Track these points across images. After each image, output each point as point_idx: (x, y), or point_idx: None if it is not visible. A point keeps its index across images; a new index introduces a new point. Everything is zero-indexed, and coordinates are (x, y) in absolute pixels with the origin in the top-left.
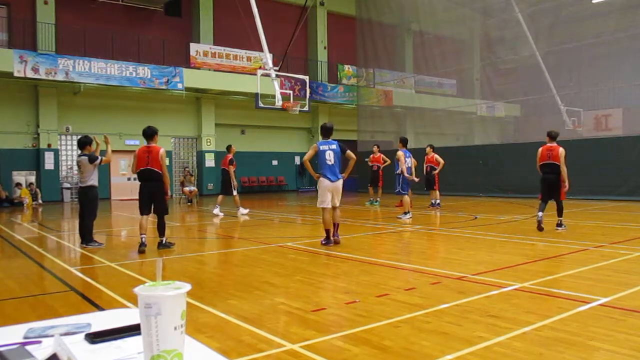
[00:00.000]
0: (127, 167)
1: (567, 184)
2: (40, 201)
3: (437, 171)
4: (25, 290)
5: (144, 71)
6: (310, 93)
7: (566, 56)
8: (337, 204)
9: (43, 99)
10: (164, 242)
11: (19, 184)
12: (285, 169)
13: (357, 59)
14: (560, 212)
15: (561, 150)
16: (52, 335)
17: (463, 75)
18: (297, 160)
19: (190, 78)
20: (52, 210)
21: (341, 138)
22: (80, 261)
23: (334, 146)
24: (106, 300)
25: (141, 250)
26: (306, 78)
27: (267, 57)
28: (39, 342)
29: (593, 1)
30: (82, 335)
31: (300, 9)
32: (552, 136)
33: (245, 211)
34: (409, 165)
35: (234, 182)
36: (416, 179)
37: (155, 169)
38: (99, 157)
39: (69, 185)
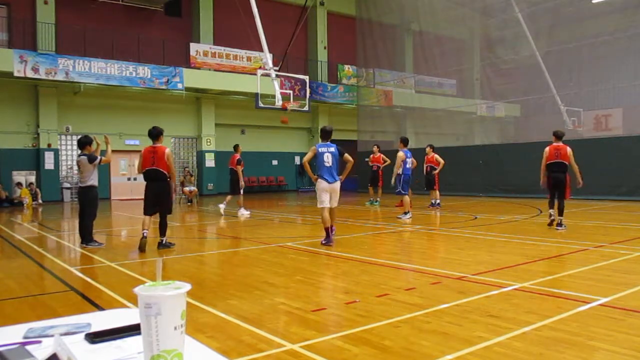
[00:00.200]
0: (127, 167)
1: (580, 179)
2: (40, 201)
3: (437, 171)
4: (25, 290)
5: (144, 71)
6: (310, 93)
7: (566, 56)
8: (335, 205)
9: (43, 99)
10: (164, 242)
11: (19, 184)
12: (285, 169)
13: (357, 59)
14: (561, 212)
15: (569, 149)
16: (52, 335)
17: (463, 75)
18: (297, 160)
19: (190, 78)
20: (52, 210)
21: (341, 138)
22: (80, 261)
23: (332, 149)
24: (106, 300)
25: (142, 243)
26: (306, 78)
27: (267, 57)
28: (39, 342)
29: (593, 1)
30: (82, 335)
31: (300, 9)
32: (558, 136)
33: (247, 212)
34: (409, 165)
35: (242, 181)
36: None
37: (161, 169)
38: (99, 157)
39: (69, 185)
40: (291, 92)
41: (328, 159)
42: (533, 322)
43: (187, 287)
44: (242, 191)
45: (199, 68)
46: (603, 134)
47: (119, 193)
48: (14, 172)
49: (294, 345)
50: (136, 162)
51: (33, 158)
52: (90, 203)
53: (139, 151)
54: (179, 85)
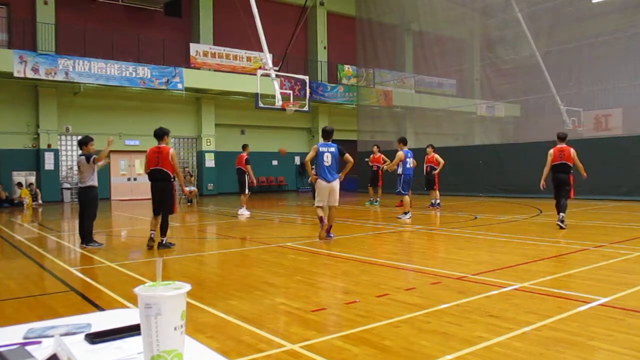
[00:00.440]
0: (127, 167)
1: (585, 173)
2: (40, 201)
3: (437, 171)
4: (26, 290)
5: (144, 71)
6: (310, 93)
7: (566, 56)
8: (335, 204)
9: (43, 99)
10: (164, 242)
11: (19, 184)
12: (285, 169)
13: (357, 59)
14: (564, 209)
15: (573, 150)
16: (52, 336)
17: (463, 75)
18: (297, 160)
19: (190, 78)
20: (52, 210)
21: (341, 138)
22: (80, 261)
23: (332, 149)
24: (106, 300)
25: (150, 246)
26: (306, 78)
27: (267, 57)
28: (39, 342)
29: (593, 1)
30: (82, 335)
31: (300, 9)
32: (561, 137)
33: (247, 212)
34: (409, 165)
35: (253, 180)
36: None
37: (164, 169)
38: (93, 155)
39: (69, 186)
40: (291, 92)
41: (327, 159)
42: (533, 322)
43: (187, 287)
44: (247, 191)
45: (198, 68)
46: (603, 134)
47: (119, 193)
48: (14, 173)
49: (294, 346)
50: (136, 162)
51: (33, 158)
52: (90, 203)
53: (139, 151)
54: (179, 86)
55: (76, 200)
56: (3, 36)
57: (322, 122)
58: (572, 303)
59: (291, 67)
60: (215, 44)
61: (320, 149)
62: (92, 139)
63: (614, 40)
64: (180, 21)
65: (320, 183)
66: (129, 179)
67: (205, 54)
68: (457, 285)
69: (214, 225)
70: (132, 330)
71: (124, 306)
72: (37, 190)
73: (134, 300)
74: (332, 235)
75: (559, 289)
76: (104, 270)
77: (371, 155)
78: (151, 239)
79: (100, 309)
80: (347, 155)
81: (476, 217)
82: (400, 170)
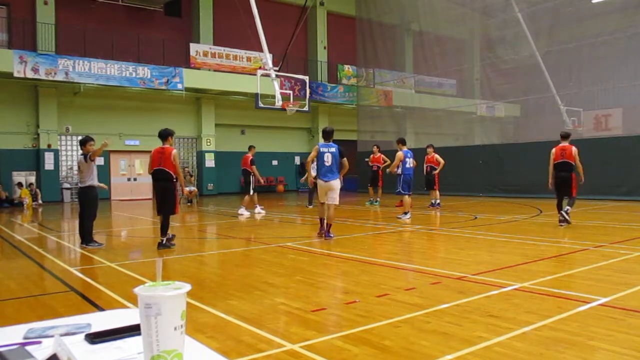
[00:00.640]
0: (127, 167)
1: (582, 177)
2: (40, 201)
3: (437, 171)
4: (26, 290)
5: (144, 71)
6: (310, 93)
7: (566, 56)
8: (335, 202)
9: (43, 99)
10: (164, 242)
11: (19, 184)
12: (285, 169)
13: (357, 59)
14: (571, 203)
15: (574, 149)
16: (52, 336)
17: (463, 75)
18: (297, 160)
19: (190, 78)
20: (52, 210)
21: (341, 138)
22: (80, 261)
23: (333, 149)
24: (106, 300)
25: (170, 244)
26: (306, 78)
27: (267, 57)
28: (39, 342)
29: (593, 1)
30: (82, 335)
31: (300, 9)
32: (564, 136)
33: (247, 213)
34: (409, 165)
35: (259, 179)
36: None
37: (167, 169)
38: (89, 153)
39: (68, 186)
40: (291, 92)
41: (328, 159)
42: (533, 322)
43: (187, 287)
44: (252, 192)
45: (198, 68)
46: (603, 133)
47: (119, 193)
48: (14, 173)
49: (294, 346)
50: (136, 162)
51: (33, 158)
52: (90, 203)
53: (139, 151)
54: (179, 86)
55: (76, 200)
56: (3, 36)
57: (322, 122)
58: (572, 303)
59: (291, 67)
60: (215, 44)
61: (321, 149)
62: (92, 139)
63: (614, 40)
64: (180, 21)
65: (319, 182)
66: (129, 179)
67: (205, 54)
68: (457, 285)
69: (214, 225)
70: (132, 330)
71: (124, 306)
72: (37, 190)
73: (134, 300)
74: (332, 235)
75: (559, 289)
76: (104, 270)
77: (371, 155)
78: (168, 239)
79: (100, 309)
80: (344, 159)
81: (476, 217)
82: (400, 171)
